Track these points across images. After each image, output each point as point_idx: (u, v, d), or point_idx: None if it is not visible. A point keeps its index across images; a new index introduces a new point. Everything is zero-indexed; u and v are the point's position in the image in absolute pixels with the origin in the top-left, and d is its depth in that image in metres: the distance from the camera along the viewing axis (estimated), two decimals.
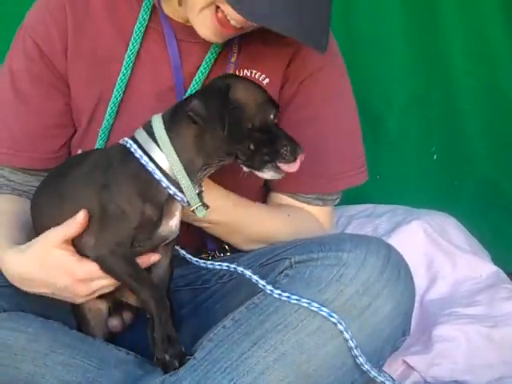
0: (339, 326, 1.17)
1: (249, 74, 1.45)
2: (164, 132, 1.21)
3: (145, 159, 1.20)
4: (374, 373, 1.20)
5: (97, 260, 1.22)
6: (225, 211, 1.39)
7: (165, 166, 1.21)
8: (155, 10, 1.43)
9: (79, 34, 1.44)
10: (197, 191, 1.25)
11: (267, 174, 1.24)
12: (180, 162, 1.20)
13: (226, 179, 1.38)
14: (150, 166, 1.20)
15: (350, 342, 1.17)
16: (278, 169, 1.23)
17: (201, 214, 1.25)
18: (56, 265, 1.24)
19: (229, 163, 1.25)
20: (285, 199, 1.52)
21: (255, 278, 1.26)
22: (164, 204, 1.22)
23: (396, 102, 2.49)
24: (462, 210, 2.35)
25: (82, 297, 1.27)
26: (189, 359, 1.24)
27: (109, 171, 1.22)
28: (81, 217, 1.21)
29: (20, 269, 1.28)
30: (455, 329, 1.66)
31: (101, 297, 1.31)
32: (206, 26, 1.30)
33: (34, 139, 1.46)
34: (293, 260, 1.26)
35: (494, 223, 2.40)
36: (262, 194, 1.56)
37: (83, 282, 1.24)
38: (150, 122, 1.24)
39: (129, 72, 1.43)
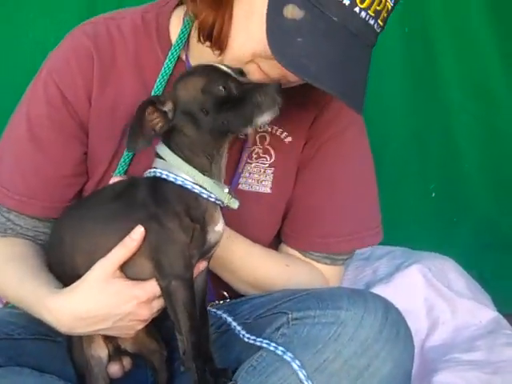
0: None
1: (270, 130, 1.43)
2: (171, 153, 1.24)
3: (180, 179, 1.22)
4: None
5: (167, 292, 1.23)
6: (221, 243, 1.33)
7: (191, 179, 1.23)
8: (180, 62, 1.40)
9: (104, 85, 1.39)
10: (226, 190, 1.25)
11: (264, 119, 1.22)
12: (196, 170, 1.23)
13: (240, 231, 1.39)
14: (188, 184, 1.22)
15: None
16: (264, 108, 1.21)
17: (235, 205, 1.26)
18: (117, 293, 1.23)
19: (233, 139, 1.30)
20: (294, 254, 1.51)
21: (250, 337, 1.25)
22: (205, 213, 1.25)
23: (393, 140, 2.51)
24: (460, 248, 2.37)
25: (143, 321, 1.26)
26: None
27: (149, 200, 1.24)
28: (138, 233, 1.21)
29: (76, 310, 1.25)
30: (455, 376, 1.65)
31: (102, 339, 1.32)
32: (256, 77, 1.28)
33: (48, 188, 1.41)
34: (290, 316, 1.24)
35: (494, 262, 2.41)
36: (274, 248, 1.54)
37: (146, 304, 1.24)
38: (158, 152, 1.26)
39: None
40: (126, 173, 1.41)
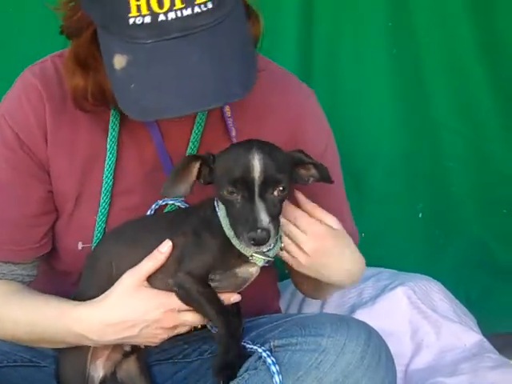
0: None
1: None
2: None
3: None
4: None
5: (176, 285, 1.29)
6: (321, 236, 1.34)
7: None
8: None
9: (58, 122, 1.40)
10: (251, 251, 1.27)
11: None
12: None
13: None
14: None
15: None
16: None
17: (260, 263, 1.29)
18: (145, 300, 1.28)
19: None
20: None
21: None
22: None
23: (381, 159, 2.50)
24: (447, 269, 2.37)
25: (168, 330, 1.30)
26: None
27: (197, 221, 1.32)
28: (166, 246, 1.28)
29: (106, 316, 1.29)
30: None
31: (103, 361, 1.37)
32: None
33: (13, 230, 1.41)
34: (272, 344, 1.25)
35: (481, 283, 2.40)
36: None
37: (172, 312, 1.28)
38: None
39: (114, 159, 1.41)
40: (108, 214, 1.43)
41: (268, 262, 1.29)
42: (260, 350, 1.25)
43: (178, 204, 1.42)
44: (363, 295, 1.98)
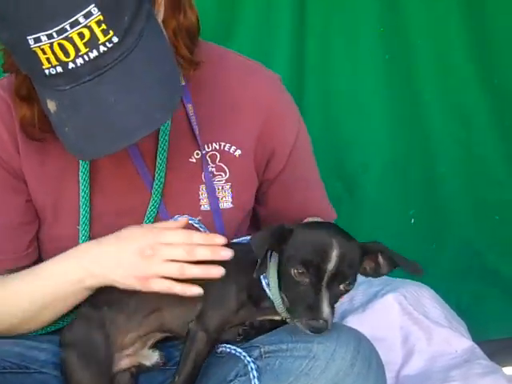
0: None
1: (218, 148, 1.45)
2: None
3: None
4: None
5: (194, 332, 1.29)
6: None
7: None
8: None
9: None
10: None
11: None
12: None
13: None
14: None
15: None
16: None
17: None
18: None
19: None
20: None
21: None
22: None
23: (374, 164, 2.51)
24: (440, 274, 2.36)
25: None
26: None
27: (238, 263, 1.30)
28: (194, 291, 1.26)
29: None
30: None
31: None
32: None
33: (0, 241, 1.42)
34: (262, 350, 1.25)
35: (472, 288, 2.42)
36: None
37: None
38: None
39: (88, 168, 1.41)
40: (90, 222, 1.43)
41: None
42: (242, 356, 1.26)
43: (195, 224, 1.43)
44: (354, 301, 1.97)
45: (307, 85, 2.45)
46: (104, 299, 1.37)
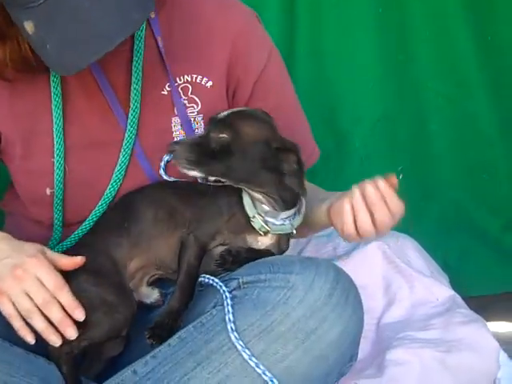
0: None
1: (189, 80, 1.44)
2: None
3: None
4: None
5: (184, 238, 1.32)
6: None
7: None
8: None
9: None
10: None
11: None
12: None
13: None
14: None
15: None
16: None
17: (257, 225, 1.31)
18: None
19: None
20: None
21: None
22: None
23: (364, 119, 2.48)
24: (426, 231, 2.35)
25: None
26: None
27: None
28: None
29: None
30: (408, 353, 1.65)
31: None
32: None
33: None
34: (241, 280, 1.24)
35: (459, 246, 2.40)
36: None
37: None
38: None
39: (60, 101, 1.39)
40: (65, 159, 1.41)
41: (267, 231, 1.31)
42: (218, 286, 1.26)
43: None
44: (338, 249, 1.97)
45: (298, 40, 2.41)
46: (104, 226, 1.39)
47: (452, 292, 1.85)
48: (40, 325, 1.22)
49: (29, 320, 1.23)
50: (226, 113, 1.30)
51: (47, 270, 1.23)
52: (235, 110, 1.33)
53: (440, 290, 1.84)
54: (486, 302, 2.16)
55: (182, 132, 1.44)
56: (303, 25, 2.41)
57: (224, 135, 1.26)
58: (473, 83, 2.44)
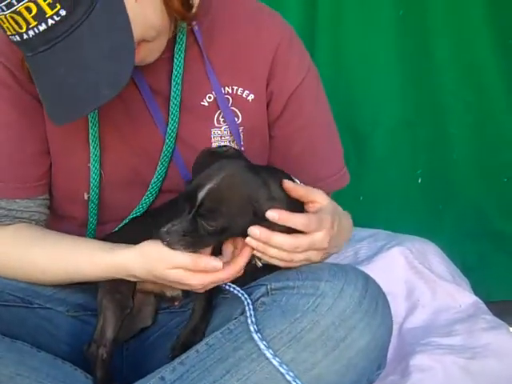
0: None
1: (231, 92, 1.43)
2: None
3: None
4: None
5: None
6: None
7: None
8: None
9: None
10: None
11: None
12: None
13: None
14: None
15: None
16: None
17: None
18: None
19: None
20: None
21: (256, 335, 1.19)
22: None
23: (384, 123, 2.48)
24: (445, 236, 2.35)
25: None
26: None
27: None
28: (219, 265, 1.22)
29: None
30: (432, 359, 1.64)
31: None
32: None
33: (16, 168, 1.40)
34: (269, 287, 1.23)
35: (478, 250, 2.39)
36: None
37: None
38: None
39: None
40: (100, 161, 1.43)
41: None
42: (240, 294, 1.25)
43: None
44: (359, 255, 1.96)
45: (318, 42, 2.42)
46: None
47: (475, 298, 1.84)
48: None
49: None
50: (204, 192, 1.18)
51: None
52: (210, 182, 1.20)
53: (463, 296, 1.83)
54: (504, 306, 2.15)
55: (221, 143, 1.44)
56: (323, 28, 2.42)
57: (212, 224, 1.19)
58: (493, 87, 2.44)
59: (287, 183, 1.24)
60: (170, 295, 1.43)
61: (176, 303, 1.46)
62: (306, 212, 1.25)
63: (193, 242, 1.20)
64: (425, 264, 1.89)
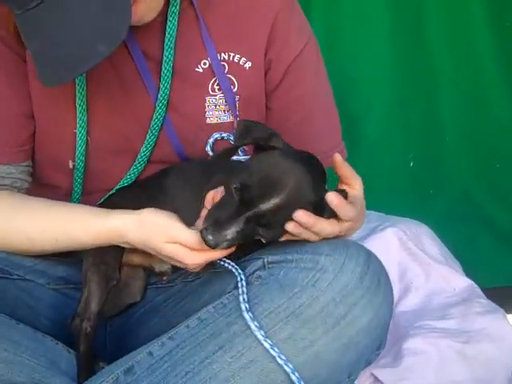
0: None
1: (227, 59, 1.37)
2: None
3: None
4: None
5: None
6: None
7: None
8: None
9: None
10: None
11: None
12: None
13: None
14: None
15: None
16: None
17: None
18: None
19: None
20: None
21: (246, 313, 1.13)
22: None
23: (376, 106, 2.44)
24: (435, 220, 2.30)
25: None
26: None
27: None
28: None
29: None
30: (426, 342, 1.59)
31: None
32: None
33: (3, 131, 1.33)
34: (266, 260, 1.17)
35: (469, 235, 2.36)
36: None
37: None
38: None
39: None
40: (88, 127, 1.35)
41: None
42: (234, 269, 1.19)
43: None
44: (352, 236, 1.90)
45: (311, 23, 2.35)
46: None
47: (469, 281, 1.80)
48: None
49: None
50: (270, 205, 1.09)
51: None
52: (277, 195, 1.10)
53: (457, 280, 1.79)
54: (495, 293, 2.12)
55: (216, 112, 1.38)
56: (317, 9, 2.36)
57: (268, 234, 1.13)
58: (488, 71, 2.41)
59: (338, 157, 1.17)
60: (158, 270, 1.37)
61: (164, 278, 1.40)
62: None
63: (235, 241, 1.12)
64: (418, 246, 1.85)
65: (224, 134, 1.39)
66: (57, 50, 1.13)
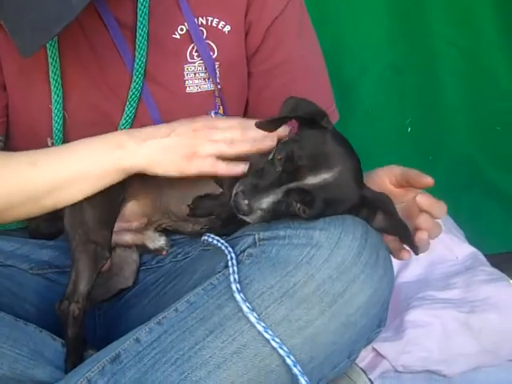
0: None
1: (205, 23, 1.30)
2: None
3: None
4: None
5: None
6: None
7: None
8: None
9: None
10: None
11: None
12: None
13: None
14: None
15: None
16: None
17: None
18: None
19: None
20: None
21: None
22: None
23: (371, 69, 2.35)
24: (435, 187, 2.23)
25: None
26: None
27: None
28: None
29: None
30: (429, 314, 1.55)
31: None
32: None
33: None
34: (257, 237, 1.11)
35: (470, 201, 2.31)
36: None
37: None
38: None
39: (55, 40, 1.25)
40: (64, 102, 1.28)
41: None
42: (223, 247, 1.14)
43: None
44: None
45: None
46: None
47: (473, 249, 1.74)
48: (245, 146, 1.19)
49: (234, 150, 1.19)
50: (317, 180, 1.06)
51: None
52: (326, 171, 1.07)
53: (460, 248, 1.74)
54: (498, 259, 2.07)
55: (196, 81, 1.31)
56: None
57: (307, 213, 1.08)
58: (487, 32, 2.31)
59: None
60: (152, 247, 1.32)
61: (164, 253, 1.34)
62: None
63: (267, 214, 1.07)
64: None
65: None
66: (29, 14, 1.06)
